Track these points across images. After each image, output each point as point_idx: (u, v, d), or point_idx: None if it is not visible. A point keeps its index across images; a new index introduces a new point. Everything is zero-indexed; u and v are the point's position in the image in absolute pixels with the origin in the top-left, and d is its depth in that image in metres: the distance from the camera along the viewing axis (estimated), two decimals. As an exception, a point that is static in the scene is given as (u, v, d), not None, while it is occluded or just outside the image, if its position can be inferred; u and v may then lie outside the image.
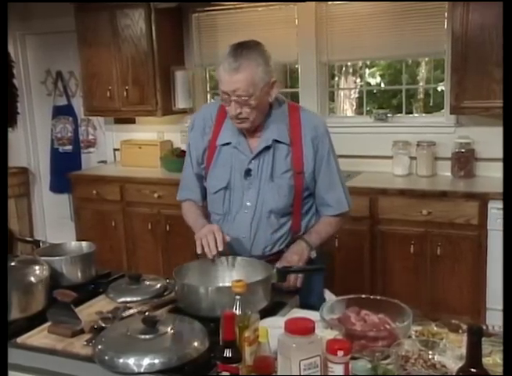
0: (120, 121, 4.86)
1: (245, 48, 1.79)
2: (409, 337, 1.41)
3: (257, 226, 1.91)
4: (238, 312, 1.33)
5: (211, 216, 2.02)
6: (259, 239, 1.92)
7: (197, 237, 1.79)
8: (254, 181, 1.90)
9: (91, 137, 5.11)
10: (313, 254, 1.93)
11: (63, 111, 5.12)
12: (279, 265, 1.81)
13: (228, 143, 1.93)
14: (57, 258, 1.90)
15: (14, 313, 1.60)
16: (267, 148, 1.89)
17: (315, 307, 1.75)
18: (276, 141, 1.89)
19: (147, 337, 1.38)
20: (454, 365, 1.24)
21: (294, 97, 4.38)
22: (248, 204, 1.91)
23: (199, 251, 1.77)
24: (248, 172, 1.90)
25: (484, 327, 1.40)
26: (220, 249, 1.74)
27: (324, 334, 1.32)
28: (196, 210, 2.03)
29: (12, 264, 1.71)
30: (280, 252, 1.93)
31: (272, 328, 1.31)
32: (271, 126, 1.89)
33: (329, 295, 1.74)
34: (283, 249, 1.94)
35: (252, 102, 1.78)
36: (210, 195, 1.99)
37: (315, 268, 2.08)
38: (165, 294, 1.79)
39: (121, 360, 1.32)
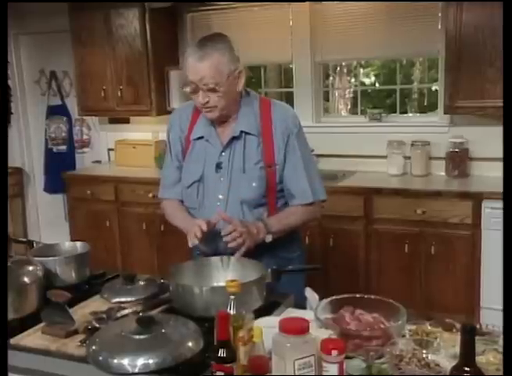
0: (114, 120, 4.85)
1: (209, 40, 1.86)
2: (403, 336, 1.41)
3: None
4: (232, 312, 1.34)
5: (187, 210, 2.02)
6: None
7: (188, 231, 1.82)
8: (225, 173, 1.92)
9: (85, 137, 5.10)
10: (268, 238, 1.87)
11: (57, 111, 5.11)
12: (223, 232, 1.79)
13: (200, 137, 1.97)
14: (51, 258, 1.89)
15: (8, 314, 1.59)
16: (236, 139, 1.92)
17: (295, 305, 1.75)
18: (246, 133, 1.91)
19: (141, 337, 1.38)
20: (448, 364, 1.24)
21: (289, 97, 4.38)
22: (220, 196, 1.93)
23: (190, 244, 1.79)
24: (219, 165, 1.93)
25: (478, 326, 1.40)
26: (203, 228, 1.76)
27: (318, 333, 1.32)
28: (182, 210, 2.03)
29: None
30: (258, 247, 1.89)
31: (267, 328, 1.31)
32: (240, 118, 1.93)
33: (310, 294, 1.73)
34: (262, 244, 1.91)
35: (220, 89, 1.82)
36: (184, 189, 2.01)
37: (312, 267, 2.09)
38: (160, 294, 1.78)
39: (115, 361, 1.32)
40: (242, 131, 1.92)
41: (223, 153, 1.93)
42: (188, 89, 1.87)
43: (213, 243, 1.91)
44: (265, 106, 1.96)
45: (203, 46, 1.83)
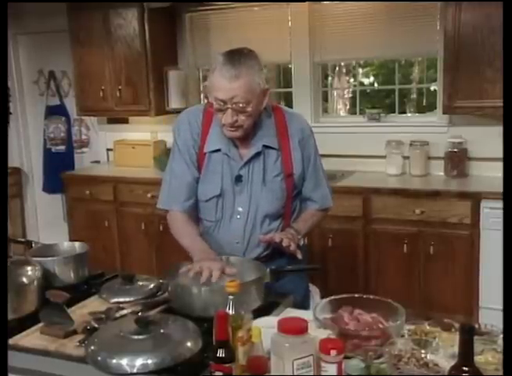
0: (113, 120, 4.84)
1: (242, 56, 1.75)
2: (402, 336, 1.41)
3: (251, 231, 1.91)
4: (231, 312, 1.33)
5: (202, 222, 1.99)
6: (253, 243, 1.92)
7: (196, 262, 1.71)
8: (245, 186, 1.90)
9: (84, 137, 5.10)
10: (301, 241, 1.93)
11: (55, 111, 5.10)
12: (262, 239, 1.84)
13: (217, 150, 1.89)
14: (50, 258, 1.89)
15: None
16: (257, 154, 1.88)
17: (299, 305, 1.77)
18: (266, 146, 1.89)
19: (140, 337, 1.38)
20: (446, 364, 1.24)
21: (288, 97, 4.38)
22: (240, 209, 1.90)
23: (191, 274, 1.67)
24: (239, 178, 1.89)
25: (477, 326, 1.40)
26: (213, 279, 1.63)
27: (317, 333, 1.32)
28: (192, 229, 1.91)
29: (5, 265, 1.70)
30: (273, 253, 1.94)
31: (266, 328, 1.31)
32: (259, 132, 1.89)
33: (313, 289, 1.74)
34: (275, 249, 1.94)
35: (249, 109, 1.75)
36: (201, 202, 1.95)
37: (311, 267, 2.09)
38: (158, 294, 1.78)
39: (114, 361, 1.32)
40: (263, 146, 1.89)
41: (243, 167, 1.89)
42: (215, 106, 1.76)
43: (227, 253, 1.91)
44: (280, 117, 1.94)
45: (236, 63, 1.71)
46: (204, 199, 1.93)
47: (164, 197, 1.98)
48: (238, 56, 1.74)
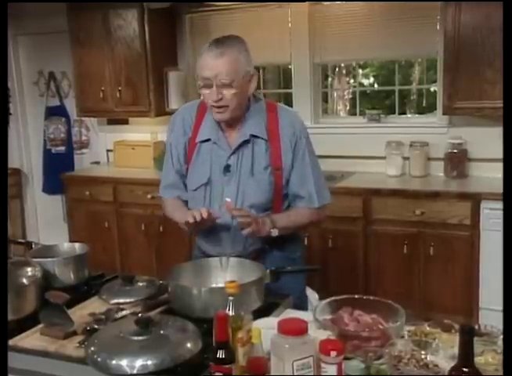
0: (113, 121, 4.84)
1: (227, 38, 1.85)
2: (402, 337, 1.41)
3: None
4: (231, 313, 1.33)
5: None
6: (240, 234, 1.89)
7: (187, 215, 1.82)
8: (234, 176, 1.92)
9: (84, 138, 5.10)
10: (274, 232, 1.88)
11: (55, 112, 5.10)
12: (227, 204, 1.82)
13: (207, 140, 1.95)
14: (50, 259, 1.89)
15: (6, 315, 1.60)
16: (245, 143, 1.91)
17: (295, 306, 1.75)
18: (254, 136, 1.91)
19: (140, 338, 1.37)
20: (447, 364, 1.24)
21: (288, 98, 4.38)
22: (228, 200, 1.91)
23: (187, 221, 1.78)
24: (227, 168, 1.92)
25: (477, 327, 1.40)
26: (204, 215, 1.76)
27: (317, 334, 1.32)
28: (183, 206, 2.02)
29: (5, 266, 1.70)
30: (263, 248, 1.94)
31: (266, 329, 1.31)
32: (249, 121, 1.92)
33: (311, 293, 1.73)
34: (265, 246, 1.95)
35: (233, 86, 1.80)
36: (190, 192, 2.00)
37: (311, 268, 2.09)
38: (158, 295, 1.78)
39: (114, 362, 1.32)
40: (251, 135, 1.91)
41: (231, 156, 1.92)
42: (201, 86, 1.84)
43: (216, 240, 1.94)
44: (272, 111, 1.96)
45: (220, 44, 1.81)
46: (192, 188, 1.98)
47: (162, 187, 2.12)
48: (223, 39, 1.85)
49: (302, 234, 2.17)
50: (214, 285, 1.76)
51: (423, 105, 4.52)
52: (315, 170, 1.98)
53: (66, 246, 2.06)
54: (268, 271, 1.73)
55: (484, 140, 3.64)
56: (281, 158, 1.92)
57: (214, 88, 1.81)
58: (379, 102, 5.03)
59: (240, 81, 1.82)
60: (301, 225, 2.04)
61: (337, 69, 4.63)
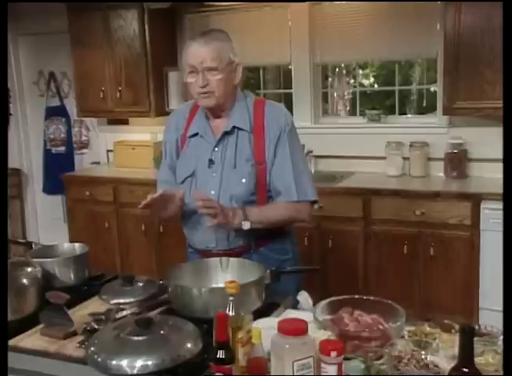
0: (113, 121, 4.85)
1: (211, 30, 1.96)
2: (402, 337, 1.41)
3: None
4: (231, 313, 1.33)
5: (182, 208, 2.00)
6: (223, 228, 1.89)
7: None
8: (217, 169, 1.94)
9: (84, 138, 5.10)
10: (246, 226, 1.86)
11: (55, 112, 5.11)
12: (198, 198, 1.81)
13: (196, 134, 2.01)
14: (50, 259, 1.89)
15: (6, 315, 1.60)
16: (228, 134, 1.94)
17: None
18: (238, 128, 1.94)
19: (140, 338, 1.37)
20: (447, 365, 1.24)
21: (288, 98, 4.38)
22: (212, 192, 1.93)
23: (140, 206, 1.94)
24: (212, 161, 1.95)
25: (477, 327, 1.40)
26: (154, 195, 1.89)
27: (317, 334, 1.32)
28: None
29: (5, 266, 1.70)
30: (249, 246, 1.94)
31: (266, 329, 1.31)
32: (233, 113, 1.96)
33: (303, 298, 1.70)
34: (251, 244, 1.94)
35: (219, 72, 1.86)
36: (178, 185, 2.03)
37: (310, 268, 2.09)
38: (158, 295, 1.78)
39: (114, 362, 1.32)
40: (234, 127, 1.94)
41: (216, 149, 1.96)
42: (187, 74, 1.89)
43: (200, 235, 1.97)
44: (259, 105, 1.98)
45: (204, 35, 1.89)
46: (179, 181, 2.02)
47: (158, 184, 2.17)
48: (208, 31, 1.95)
49: (293, 236, 2.10)
50: (214, 285, 1.76)
51: (424, 105, 4.52)
52: (296, 164, 1.94)
53: (66, 246, 2.06)
54: (268, 271, 1.73)
55: (484, 140, 3.64)
56: (264, 152, 1.93)
57: (199, 74, 1.87)
58: (379, 102, 5.03)
59: (225, 68, 1.88)
60: (279, 220, 1.96)
61: (337, 69, 4.63)
